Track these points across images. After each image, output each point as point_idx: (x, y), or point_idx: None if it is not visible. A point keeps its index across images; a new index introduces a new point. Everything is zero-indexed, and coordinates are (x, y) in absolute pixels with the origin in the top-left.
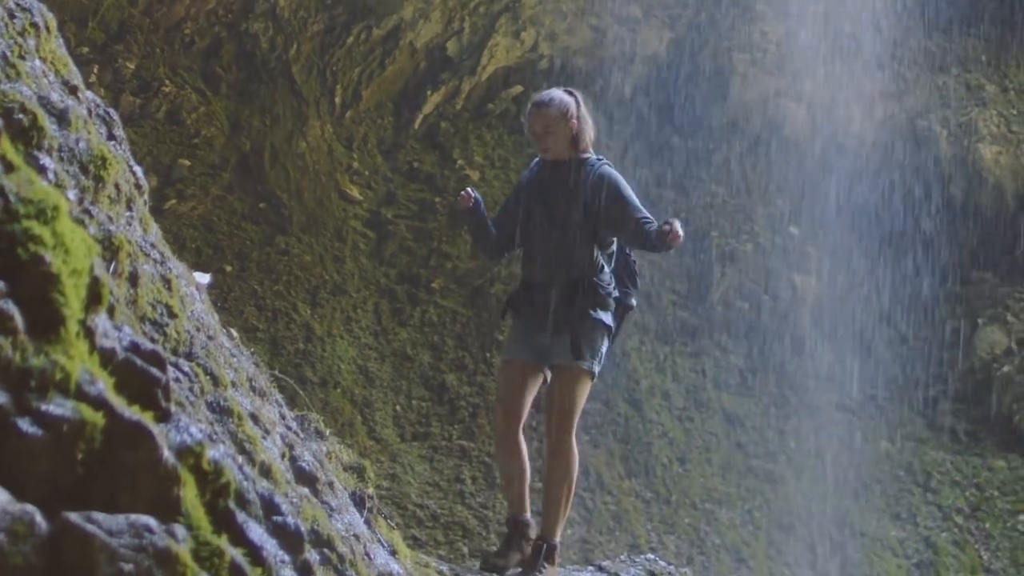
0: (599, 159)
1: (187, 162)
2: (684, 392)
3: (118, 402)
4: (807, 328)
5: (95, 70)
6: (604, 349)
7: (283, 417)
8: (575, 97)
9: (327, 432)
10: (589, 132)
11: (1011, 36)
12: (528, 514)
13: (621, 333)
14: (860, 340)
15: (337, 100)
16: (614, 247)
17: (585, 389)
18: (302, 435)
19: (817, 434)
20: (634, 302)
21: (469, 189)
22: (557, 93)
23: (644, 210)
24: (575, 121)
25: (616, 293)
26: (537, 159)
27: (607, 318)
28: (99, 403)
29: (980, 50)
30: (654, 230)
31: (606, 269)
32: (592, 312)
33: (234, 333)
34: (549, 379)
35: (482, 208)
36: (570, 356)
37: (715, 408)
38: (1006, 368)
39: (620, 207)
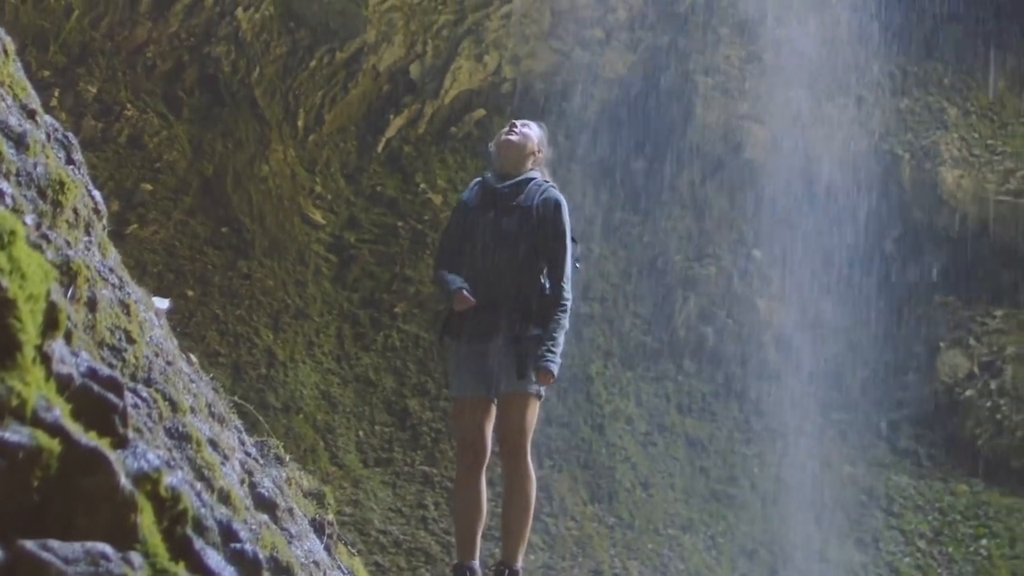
0: (545, 180)
1: (149, 186)
2: (647, 417)
3: (74, 428)
4: (770, 352)
5: (56, 94)
6: None
7: (242, 443)
8: (544, 131)
9: (287, 458)
10: (543, 159)
11: (972, 59)
12: (476, 561)
13: (565, 355)
14: (823, 364)
15: (300, 124)
16: None
17: (534, 411)
18: (262, 461)
19: (780, 459)
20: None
21: (465, 292)
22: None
23: (566, 261)
24: (541, 145)
25: None
26: (477, 180)
27: None
28: (55, 429)
29: (942, 73)
30: (532, 357)
31: (546, 287)
32: (534, 329)
33: (193, 358)
34: (497, 404)
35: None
36: (516, 381)
37: (678, 433)
38: (968, 392)
39: (554, 244)
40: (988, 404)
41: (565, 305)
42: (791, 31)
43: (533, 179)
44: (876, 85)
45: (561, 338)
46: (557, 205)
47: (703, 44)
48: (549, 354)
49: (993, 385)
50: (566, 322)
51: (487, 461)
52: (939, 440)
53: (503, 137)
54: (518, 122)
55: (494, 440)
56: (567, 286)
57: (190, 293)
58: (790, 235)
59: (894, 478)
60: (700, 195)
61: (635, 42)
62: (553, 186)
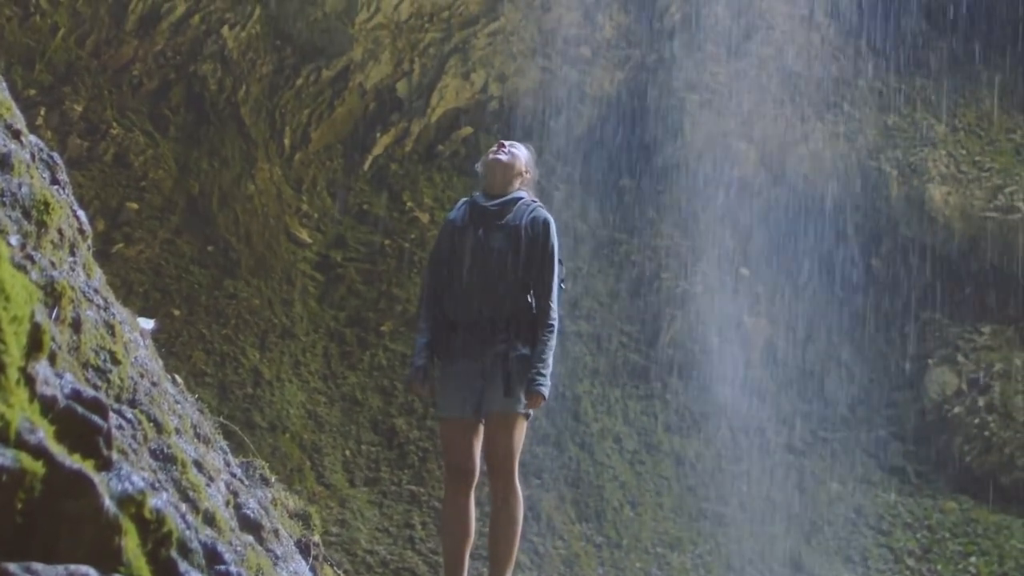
0: (533, 200)
1: (135, 205)
2: (635, 435)
3: (58, 450)
4: (758, 370)
5: (42, 112)
6: None
7: (228, 464)
8: (532, 153)
9: (273, 479)
10: (531, 180)
11: (960, 76)
12: None
13: (552, 374)
14: (811, 381)
15: (286, 142)
16: None
17: (522, 431)
18: (247, 482)
19: (768, 476)
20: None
21: (418, 379)
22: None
23: (552, 281)
24: (529, 166)
25: None
26: (464, 199)
27: None
28: (39, 452)
29: (929, 90)
30: (524, 375)
31: (533, 305)
32: (521, 348)
33: (178, 379)
34: (484, 424)
35: (428, 368)
36: (504, 401)
37: (666, 451)
38: (957, 409)
39: (542, 264)
40: (976, 421)
41: (552, 326)
42: (777, 48)
43: (521, 199)
44: (863, 102)
45: (550, 359)
46: (546, 224)
47: (689, 62)
48: (540, 376)
49: (981, 402)
50: (554, 342)
51: (475, 481)
52: (928, 457)
53: (491, 156)
54: (506, 142)
55: (482, 460)
56: (555, 306)
57: (176, 312)
58: (777, 253)
59: (882, 495)
60: (687, 213)
61: (622, 60)
62: (541, 206)
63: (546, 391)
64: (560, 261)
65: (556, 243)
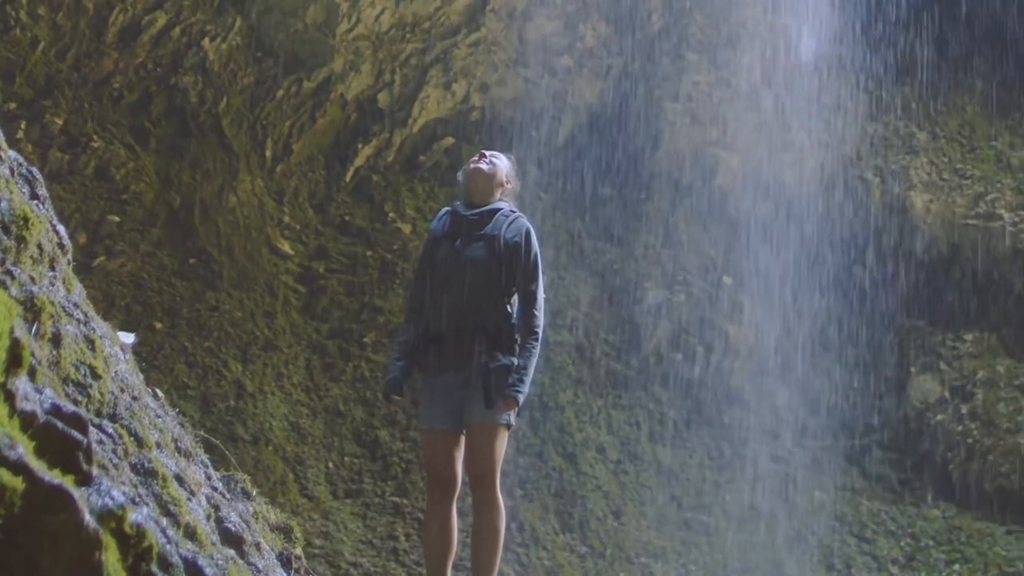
0: (513, 210)
1: (116, 218)
2: (618, 445)
3: (38, 466)
4: (741, 379)
5: (22, 126)
6: None
7: (209, 478)
8: (513, 163)
9: (254, 492)
10: (511, 190)
11: (941, 84)
12: None
13: (535, 384)
14: (793, 390)
15: (268, 154)
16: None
17: (503, 442)
18: (228, 495)
19: (752, 485)
20: None
21: (394, 394)
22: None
23: (537, 289)
24: (510, 176)
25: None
26: (446, 209)
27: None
28: (19, 468)
29: (911, 98)
30: (499, 384)
31: (512, 316)
32: (501, 358)
33: (159, 393)
34: (466, 435)
35: (401, 376)
36: (484, 412)
37: (650, 461)
38: (940, 417)
39: (524, 273)
40: (959, 428)
41: (537, 334)
42: (759, 57)
43: (500, 209)
44: (845, 110)
45: (531, 367)
46: (527, 234)
47: (671, 71)
48: (519, 384)
49: (964, 409)
50: (538, 351)
51: (457, 492)
52: (911, 465)
53: (472, 166)
54: (487, 152)
55: (464, 471)
56: (539, 315)
57: (158, 325)
58: (760, 261)
59: (866, 503)
60: (670, 222)
61: (603, 69)
62: (521, 216)
63: (521, 397)
64: (542, 271)
65: (538, 252)
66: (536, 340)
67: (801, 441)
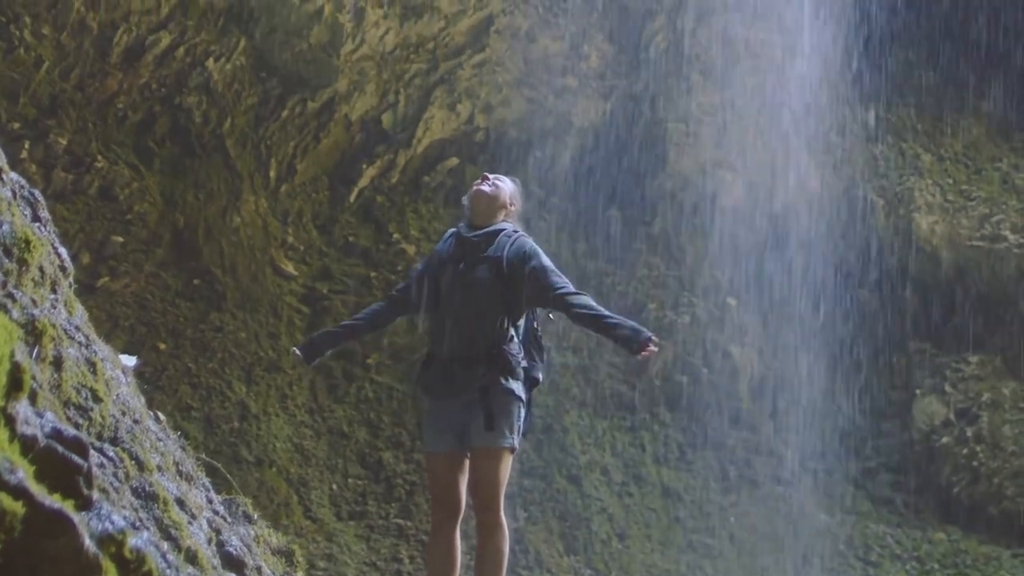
0: (516, 231)
1: (120, 238)
2: (623, 467)
3: (38, 490)
4: (745, 401)
5: (26, 146)
6: (521, 421)
7: (210, 501)
8: (517, 185)
9: (256, 516)
10: (515, 212)
11: (945, 105)
12: None
13: (540, 406)
14: (798, 412)
15: (272, 174)
16: (523, 318)
17: (507, 465)
18: (230, 519)
19: (757, 508)
20: (540, 376)
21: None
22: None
23: (564, 280)
24: (514, 199)
25: (524, 364)
26: (452, 231)
27: (518, 388)
28: (19, 492)
29: (915, 119)
30: (628, 334)
31: (516, 339)
32: (503, 381)
33: (161, 416)
34: (470, 458)
35: (324, 340)
36: (487, 435)
37: (654, 483)
38: (945, 439)
39: (543, 282)
40: (965, 451)
41: (579, 294)
42: (764, 78)
43: (503, 230)
44: (850, 131)
45: (608, 312)
46: (531, 250)
47: (675, 91)
48: (631, 328)
49: (969, 432)
50: (591, 300)
51: (462, 515)
52: (916, 488)
53: (475, 188)
54: (491, 175)
55: (468, 494)
56: (570, 287)
57: (162, 346)
58: (764, 282)
59: (871, 527)
60: (674, 243)
61: (608, 90)
62: (524, 235)
63: (647, 332)
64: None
65: (547, 260)
66: (582, 295)
67: (806, 464)
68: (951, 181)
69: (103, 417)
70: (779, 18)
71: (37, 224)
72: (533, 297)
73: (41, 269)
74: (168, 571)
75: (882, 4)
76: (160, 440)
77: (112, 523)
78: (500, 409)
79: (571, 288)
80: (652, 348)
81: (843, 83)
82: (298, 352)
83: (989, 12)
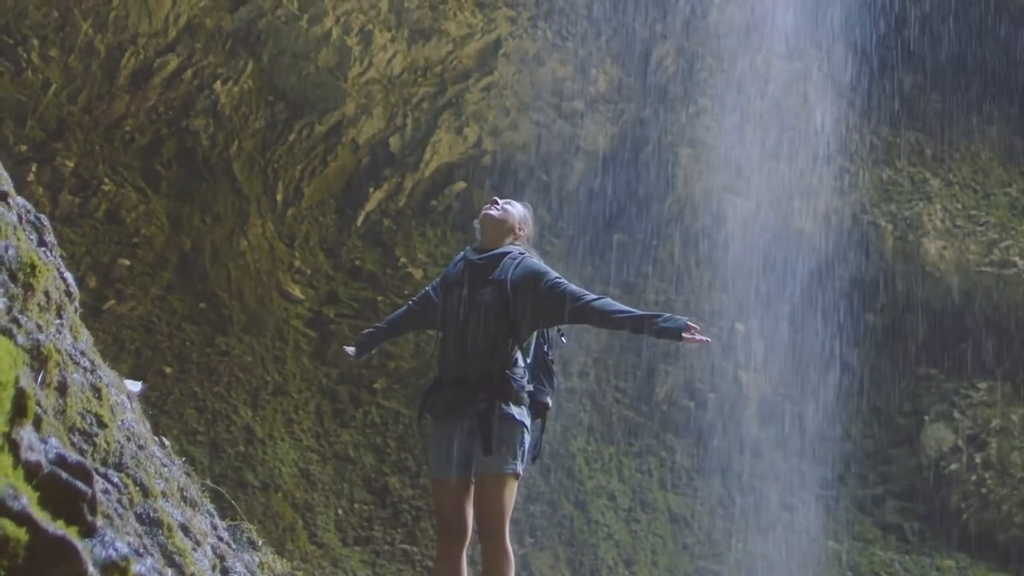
0: (522, 253)
1: (127, 261)
2: (630, 493)
3: (42, 517)
4: (753, 426)
5: (33, 168)
6: (524, 447)
7: (215, 527)
8: (529, 210)
9: (260, 542)
10: (525, 236)
11: (954, 130)
12: None
13: (547, 431)
14: (806, 438)
15: (279, 197)
16: (532, 341)
17: (512, 491)
18: (234, 545)
19: (764, 534)
20: (550, 400)
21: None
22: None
23: (581, 288)
24: (524, 223)
25: (530, 388)
26: (461, 255)
27: (519, 413)
28: (23, 518)
29: (924, 144)
30: (668, 324)
31: (520, 363)
32: (504, 406)
33: (166, 441)
34: (475, 484)
35: (368, 340)
36: (492, 461)
37: (661, 509)
38: (954, 466)
39: (562, 295)
40: (973, 478)
41: (597, 298)
42: (772, 102)
43: (509, 252)
44: (858, 156)
45: (628, 308)
46: (541, 267)
47: (683, 115)
48: (663, 319)
49: (978, 458)
50: (609, 300)
51: (468, 540)
52: (925, 514)
53: (484, 212)
54: (500, 199)
55: (474, 520)
56: (583, 293)
57: (168, 370)
58: (772, 307)
59: (880, 553)
60: (682, 267)
61: (616, 114)
62: (529, 256)
63: (683, 318)
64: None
65: (558, 275)
66: (599, 298)
67: (813, 490)
68: (960, 206)
69: (108, 443)
70: (787, 43)
71: (43, 249)
72: (550, 312)
73: (47, 294)
74: None
75: (891, 29)
76: (165, 466)
77: (116, 550)
78: (500, 434)
79: (592, 295)
80: (695, 329)
81: (852, 108)
82: (348, 350)
83: (998, 38)
